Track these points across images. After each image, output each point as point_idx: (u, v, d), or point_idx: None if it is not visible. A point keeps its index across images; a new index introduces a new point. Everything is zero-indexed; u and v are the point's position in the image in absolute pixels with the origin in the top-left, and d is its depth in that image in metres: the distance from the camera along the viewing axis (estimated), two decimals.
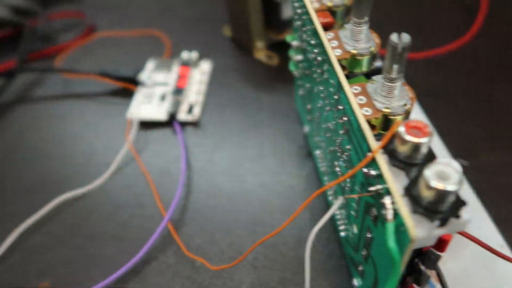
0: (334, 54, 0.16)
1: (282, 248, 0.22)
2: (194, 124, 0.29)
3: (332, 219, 0.22)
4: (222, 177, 0.25)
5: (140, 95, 0.30)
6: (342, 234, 0.19)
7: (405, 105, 0.15)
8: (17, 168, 0.28)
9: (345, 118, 0.15)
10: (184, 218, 0.24)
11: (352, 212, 0.17)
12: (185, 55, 0.32)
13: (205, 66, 0.32)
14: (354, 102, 0.14)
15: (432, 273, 0.15)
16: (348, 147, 0.16)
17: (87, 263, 0.23)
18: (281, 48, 0.33)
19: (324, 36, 0.17)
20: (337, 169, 0.18)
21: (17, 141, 0.29)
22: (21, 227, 0.24)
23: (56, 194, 0.26)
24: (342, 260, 0.21)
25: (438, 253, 0.14)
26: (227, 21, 0.36)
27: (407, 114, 0.15)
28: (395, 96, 0.15)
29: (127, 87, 0.31)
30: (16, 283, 0.22)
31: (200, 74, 0.32)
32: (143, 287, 0.21)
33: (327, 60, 0.17)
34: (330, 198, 0.21)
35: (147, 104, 0.30)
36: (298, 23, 0.21)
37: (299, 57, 0.23)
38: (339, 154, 0.18)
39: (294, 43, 0.24)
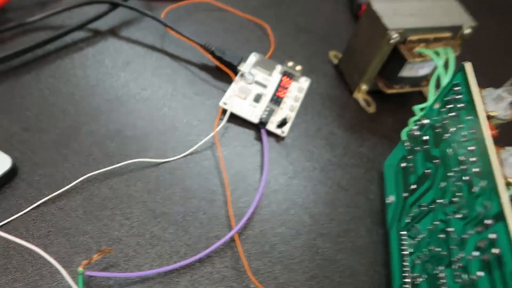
0: (504, 183, 0.16)
1: None
2: (278, 138, 0.28)
3: None
4: (295, 209, 0.25)
5: (237, 86, 0.30)
6: None
7: None
8: (98, 111, 0.27)
9: (495, 251, 0.15)
10: (249, 234, 0.24)
11: None
12: (290, 64, 0.32)
13: (304, 84, 0.32)
14: None
15: None
16: (479, 273, 0.16)
17: (145, 238, 0.22)
18: (379, 98, 0.32)
19: (495, 159, 0.17)
20: (439, 274, 0.18)
21: (106, 77, 0.29)
22: (91, 173, 0.23)
23: (132, 153, 0.25)
24: None
25: None
26: (337, 48, 0.36)
27: None
28: None
29: (225, 71, 0.30)
30: (69, 230, 0.22)
31: (298, 91, 0.31)
32: (192, 287, 0.21)
33: (488, 179, 0.17)
34: (405, 286, 0.21)
35: (242, 100, 0.29)
36: (449, 110, 0.21)
37: (426, 137, 0.23)
38: (454, 267, 0.18)
39: (425, 121, 0.23)
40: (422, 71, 0.31)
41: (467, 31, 0.30)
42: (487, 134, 0.18)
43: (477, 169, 0.18)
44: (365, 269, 0.24)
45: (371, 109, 0.32)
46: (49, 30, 0.30)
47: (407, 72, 0.30)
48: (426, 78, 0.33)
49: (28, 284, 0.20)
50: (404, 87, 0.32)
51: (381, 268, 0.24)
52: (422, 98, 0.34)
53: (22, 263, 0.20)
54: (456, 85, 0.21)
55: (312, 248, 0.24)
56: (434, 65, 0.31)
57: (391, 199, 0.25)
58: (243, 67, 0.31)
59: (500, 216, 0.16)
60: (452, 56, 0.28)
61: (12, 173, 0.23)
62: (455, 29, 0.30)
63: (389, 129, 0.31)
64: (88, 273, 0.20)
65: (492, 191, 0.16)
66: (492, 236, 0.16)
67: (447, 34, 0.30)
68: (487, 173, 0.17)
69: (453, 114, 0.21)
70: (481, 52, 0.39)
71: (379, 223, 0.26)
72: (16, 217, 0.21)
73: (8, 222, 0.21)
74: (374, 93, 0.33)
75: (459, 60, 0.36)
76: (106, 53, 0.30)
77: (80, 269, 0.20)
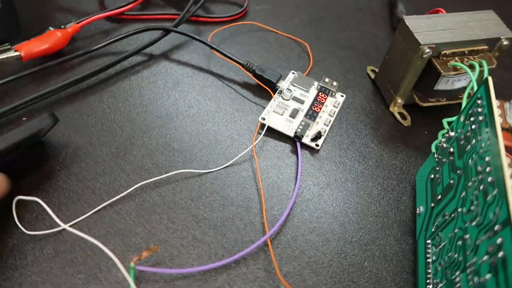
0: None
1: None
2: (313, 151, 0.30)
3: None
4: (325, 218, 0.27)
5: (275, 102, 0.32)
6: None
7: None
8: (151, 127, 0.30)
9: (500, 254, 0.16)
10: (281, 240, 0.26)
11: None
12: (327, 80, 0.34)
13: (340, 99, 0.33)
14: None
15: None
16: (487, 276, 0.17)
17: (187, 240, 0.25)
18: (415, 111, 0.33)
19: (507, 168, 0.18)
20: (456, 279, 0.19)
21: (158, 96, 0.32)
22: (143, 182, 0.27)
23: (178, 164, 0.28)
24: None
25: None
26: (375, 63, 0.37)
27: None
28: None
29: (264, 88, 0.33)
30: (123, 231, 0.25)
31: (333, 106, 0.33)
32: (229, 286, 0.23)
33: (499, 187, 0.18)
34: None
35: (279, 115, 0.31)
36: (471, 123, 0.22)
37: (451, 149, 0.24)
38: (467, 271, 0.18)
39: (452, 133, 0.24)
40: (459, 83, 0.31)
41: (505, 43, 0.30)
42: (501, 145, 0.18)
43: (491, 178, 0.18)
44: (392, 276, 0.24)
45: (407, 122, 0.33)
46: (111, 56, 0.34)
47: (442, 85, 0.31)
48: (463, 91, 0.33)
49: (89, 276, 0.23)
50: (441, 100, 0.32)
51: (408, 276, 0.25)
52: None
53: (85, 257, 0.24)
54: (479, 98, 0.22)
55: (341, 254, 0.25)
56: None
57: (420, 209, 0.26)
58: (282, 84, 0.33)
59: (507, 222, 0.16)
60: (486, 68, 0.28)
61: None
62: (492, 42, 0.30)
63: (424, 142, 0.31)
64: (138, 268, 0.23)
65: (502, 199, 0.17)
66: (499, 240, 0.16)
67: (483, 47, 0.30)
68: (499, 181, 0.18)
69: (475, 126, 0.21)
70: None
71: (408, 233, 0.26)
72: (81, 219, 0.25)
73: (75, 223, 0.25)
74: (410, 106, 0.33)
75: (501, 72, 0.36)
76: (159, 75, 0.34)
77: (132, 264, 0.23)
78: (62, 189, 0.26)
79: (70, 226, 0.24)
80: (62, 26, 0.34)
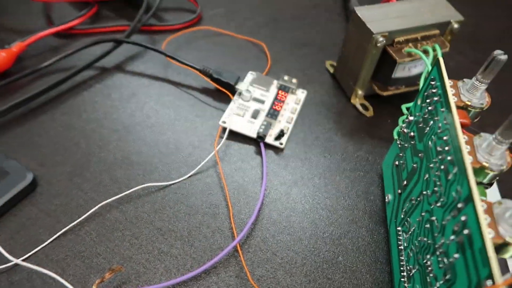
0: (471, 167, 0.17)
1: None
2: (277, 150, 0.30)
3: None
4: (295, 216, 0.26)
5: (235, 105, 0.31)
6: None
7: None
8: (107, 141, 0.29)
9: (465, 232, 0.16)
10: (251, 243, 0.25)
11: None
12: (286, 77, 0.33)
13: (301, 95, 0.33)
14: (485, 228, 0.15)
15: None
16: (456, 255, 0.16)
17: (153, 255, 0.24)
18: (377, 101, 0.33)
19: (464, 144, 0.17)
20: (427, 262, 0.19)
21: (113, 109, 0.31)
22: (105, 201, 0.25)
23: (138, 177, 0.27)
24: None
25: None
26: (333, 58, 0.37)
27: None
28: None
29: (224, 92, 0.32)
30: (84, 253, 0.24)
31: (295, 103, 0.32)
32: None
33: (459, 165, 0.17)
34: (402, 279, 0.21)
35: (240, 117, 0.30)
36: (428, 105, 0.22)
37: (412, 133, 0.23)
38: (437, 253, 0.18)
39: (411, 118, 0.24)
40: (415, 70, 0.31)
41: (455, 26, 0.31)
42: (457, 121, 0.18)
43: (450, 157, 0.18)
44: (367, 268, 0.24)
45: (369, 113, 0.33)
46: (61, 72, 0.33)
47: (400, 73, 0.31)
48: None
49: None
50: (400, 87, 0.32)
51: (383, 266, 0.24)
52: None
53: (43, 286, 0.22)
54: (433, 79, 0.22)
55: (313, 252, 0.24)
56: None
57: (389, 197, 0.26)
58: (241, 86, 0.32)
59: (469, 198, 0.16)
60: (439, 52, 0.29)
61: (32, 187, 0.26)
62: (443, 26, 0.31)
63: (388, 130, 0.31)
64: None
65: (462, 176, 0.17)
66: (463, 218, 0.16)
67: (435, 31, 0.30)
68: (458, 160, 0.17)
69: (431, 108, 0.21)
70: (482, 44, 0.39)
71: (380, 222, 0.26)
72: (37, 248, 0.23)
73: (29, 254, 0.23)
74: (371, 97, 0.33)
75: (455, 56, 0.36)
76: (113, 87, 0.33)
77: (94, 287, 0.21)
78: (13, 216, 0.25)
79: (23, 259, 0.23)
80: (7, 46, 0.33)
